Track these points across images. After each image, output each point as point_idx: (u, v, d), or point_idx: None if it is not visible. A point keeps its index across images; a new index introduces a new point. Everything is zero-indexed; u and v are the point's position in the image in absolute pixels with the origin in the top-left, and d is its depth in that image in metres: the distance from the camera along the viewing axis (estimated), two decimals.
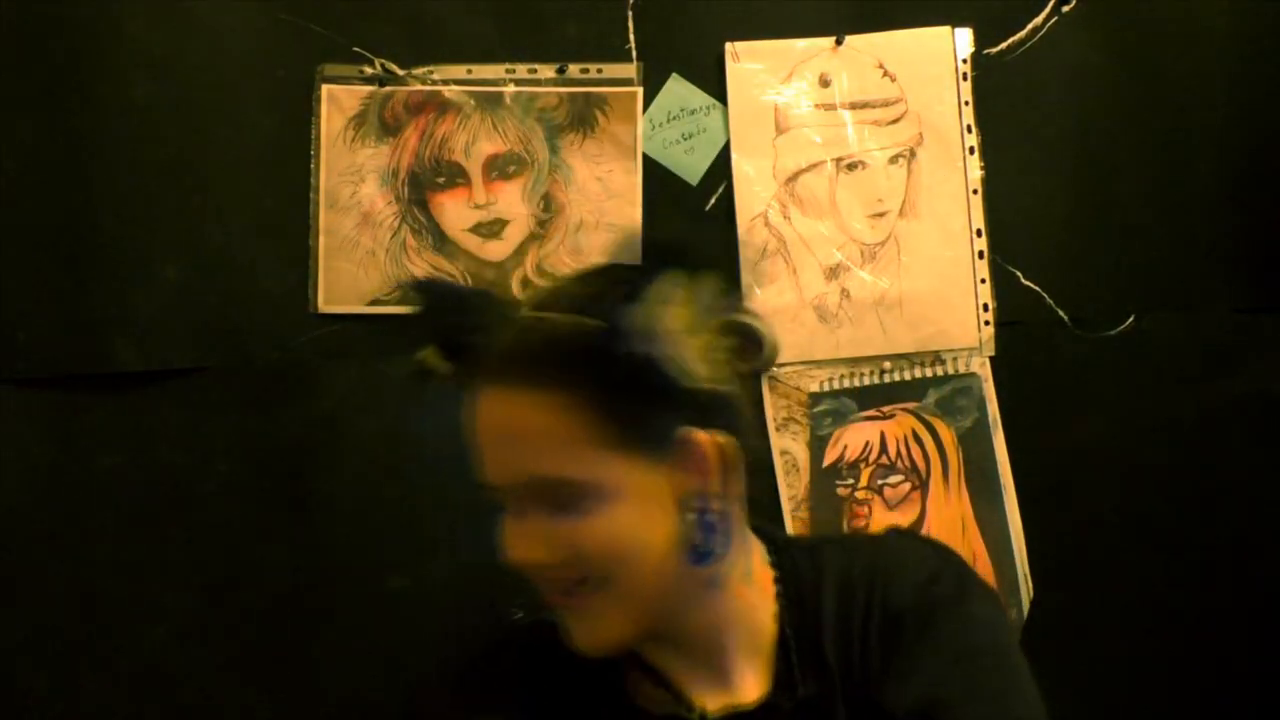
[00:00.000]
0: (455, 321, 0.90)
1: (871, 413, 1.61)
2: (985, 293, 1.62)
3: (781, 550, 1.02)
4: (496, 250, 1.61)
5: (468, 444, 0.90)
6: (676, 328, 0.84)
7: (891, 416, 1.61)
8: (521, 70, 1.61)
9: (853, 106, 1.63)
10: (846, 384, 1.61)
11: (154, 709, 1.55)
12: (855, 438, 1.61)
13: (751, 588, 0.98)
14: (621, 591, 0.89)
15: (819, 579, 0.98)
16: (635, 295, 0.85)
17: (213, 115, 1.57)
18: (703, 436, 0.89)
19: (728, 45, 1.62)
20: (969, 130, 1.63)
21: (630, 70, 1.61)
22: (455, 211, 1.61)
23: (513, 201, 1.61)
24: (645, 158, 1.61)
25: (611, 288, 0.89)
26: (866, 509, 1.61)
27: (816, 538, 1.06)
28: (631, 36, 1.61)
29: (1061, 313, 1.62)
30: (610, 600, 0.89)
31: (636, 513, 0.88)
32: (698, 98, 1.62)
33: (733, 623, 0.97)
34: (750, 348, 0.91)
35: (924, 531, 1.60)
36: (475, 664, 1.03)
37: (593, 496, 0.86)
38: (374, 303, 1.59)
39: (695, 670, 0.97)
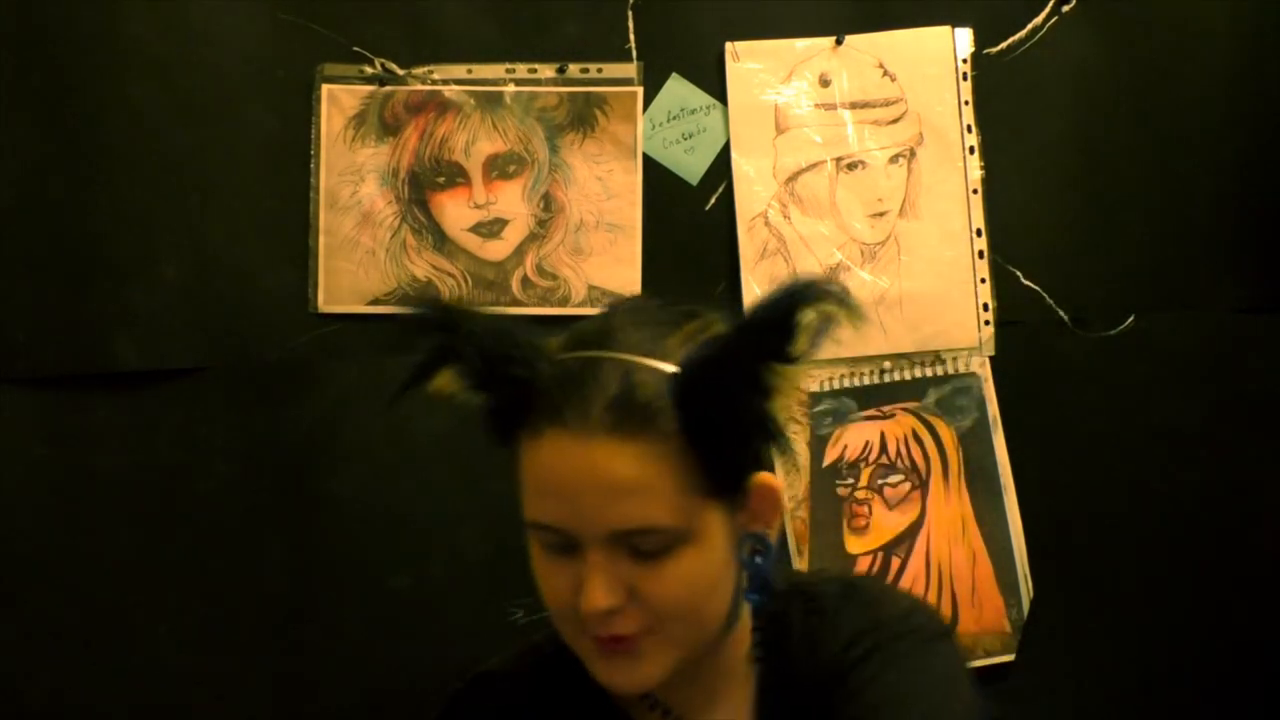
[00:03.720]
0: (505, 359, 0.87)
1: (871, 412, 1.61)
2: (985, 293, 1.62)
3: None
4: (496, 250, 1.61)
5: (537, 487, 0.86)
6: (765, 373, 0.83)
7: (891, 416, 1.61)
8: (521, 70, 1.61)
9: (853, 106, 1.63)
10: (846, 384, 1.61)
11: (154, 709, 1.55)
12: (855, 437, 1.61)
13: (742, 621, 0.99)
14: (678, 636, 0.88)
15: (792, 619, 0.98)
16: (717, 338, 0.84)
17: (213, 115, 1.57)
18: (773, 479, 0.90)
19: (728, 45, 1.62)
20: (969, 130, 1.63)
21: (630, 70, 1.61)
22: (455, 211, 1.61)
23: (513, 201, 1.61)
24: (645, 157, 1.61)
25: (685, 329, 0.88)
26: (866, 508, 1.61)
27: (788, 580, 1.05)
28: (631, 36, 1.61)
29: (1061, 313, 1.62)
30: (661, 643, 0.88)
31: (713, 557, 0.87)
32: (698, 98, 1.62)
33: (727, 655, 0.97)
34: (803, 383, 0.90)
35: (924, 531, 1.60)
36: (468, 700, 1.02)
37: (679, 542, 0.85)
38: (374, 302, 1.59)
39: (693, 700, 0.97)
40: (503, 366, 0.87)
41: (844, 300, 0.83)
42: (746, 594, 0.93)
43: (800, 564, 1.59)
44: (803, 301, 0.82)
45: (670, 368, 0.84)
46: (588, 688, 0.92)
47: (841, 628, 0.94)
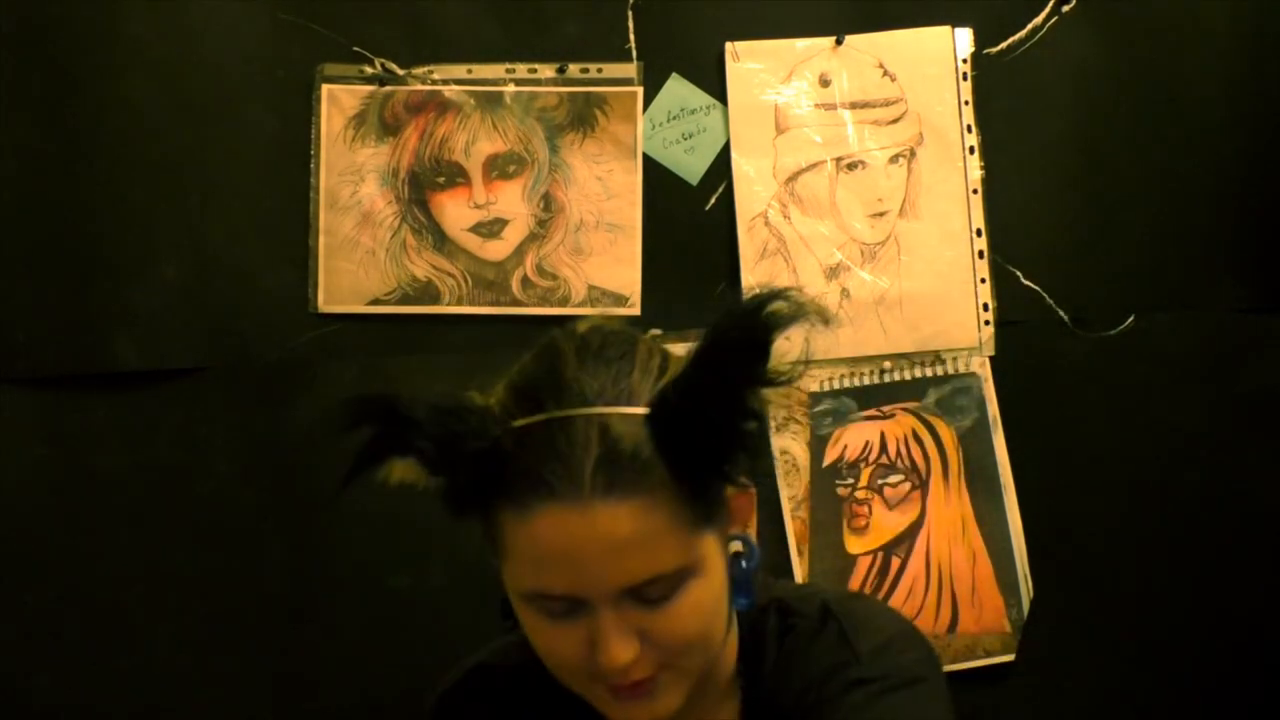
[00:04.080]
0: (457, 437, 0.82)
1: (871, 412, 1.61)
2: (985, 293, 1.62)
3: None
4: (496, 250, 1.61)
5: (535, 560, 0.83)
6: (745, 398, 0.80)
7: (891, 416, 1.61)
8: (521, 70, 1.61)
9: (853, 106, 1.63)
10: (846, 384, 1.61)
11: (154, 709, 1.55)
12: (855, 437, 1.61)
13: (731, 628, 0.97)
14: (692, 666, 0.87)
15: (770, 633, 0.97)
16: (684, 372, 0.81)
17: (213, 115, 1.57)
18: (748, 488, 0.89)
19: (728, 45, 1.62)
20: (969, 130, 1.63)
21: (630, 70, 1.61)
22: (455, 211, 1.61)
23: (513, 201, 1.61)
24: (645, 157, 1.61)
25: (638, 361, 0.85)
26: (866, 509, 1.61)
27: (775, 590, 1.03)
28: (631, 36, 1.61)
29: (1061, 313, 1.62)
30: (675, 676, 0.86)
31: (714, 580, 0.86)
32: (698, 98, 1.62)
33: (716, 667, 0.95)
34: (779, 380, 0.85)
35: (924, 531, 1.60)
36: (461, 694, 1.02)
37: (685, 579, 0.84)
38: (374, 302, 1.59)
39: (684, 715, 0.93)
40: (458, 445, 0.82)
41: (808, 309, 0.80)
42: (735, 599, 0.91)
43: (800, 564, 1.59)
44: (771, 323, 0.79)
45: (642, 410, 0.81)
46: (563, 701, 0.91)
47: (815, 659, 0.92)
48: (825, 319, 0.81)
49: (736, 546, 0.91)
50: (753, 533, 0.92)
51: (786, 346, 0.81)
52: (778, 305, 0.79)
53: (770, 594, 0.98)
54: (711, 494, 0.84)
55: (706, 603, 0.85)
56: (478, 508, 0.86)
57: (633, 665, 0.83)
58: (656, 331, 1.55)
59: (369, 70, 1.60)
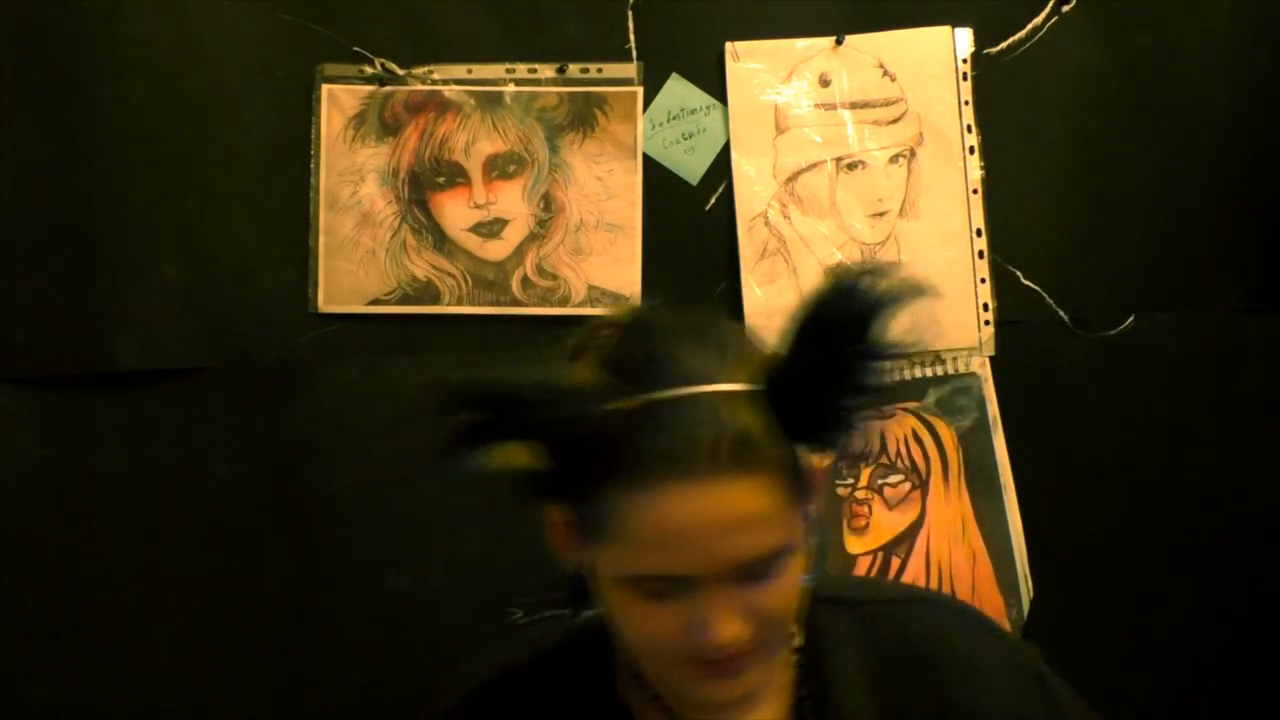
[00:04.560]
0: (563, 421, 0.80)
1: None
2: (985, 293, 1.62)
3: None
4: (496, 250, 1.61)
5: (648, 540, 0.81)
6: (856, 375, 0.81)
7: (891, 416, 1.61)
8: (521, 70, 1.61)
9: (853, 106, 1.63)
10: None
11: (154, 709, 1.55)
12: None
13: None
14: (776, 642, 0.88)
15: (835, 639, 0.96)
16: (791, 349, 0.82)
17: (213, 115, 1.57)
18: (819, 459, 0.88)
19: (728, 45, 1.62)
20: (969, 130, 1.63)
21: (630, 70, 1.61)
22: (455, 211, 1.61)
23: (513, 201, 1.61)
24: (645, 157, 1.61)
25: (731, 344, 0.85)
26: (866, 508, 1.61)
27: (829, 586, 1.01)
28: (631, 36, 1.61)
29: (1061, 313, 1.62)
30: (760, 653, 0.86)
31: (802, 555, 0.87)
32: (698, 98, 1.62)
33: None
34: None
35: (924, 531, 1.60)
36: (468, 712, 0.99)
37: (787, 556, 0.84)
38: (374, 302, 1.59)
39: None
40: (569, 427, 0.80)
41: (906, 289, 0.81)
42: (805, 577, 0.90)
43: None
44: (874, 297, 0.80)
45: (753, 388, 0.82)
46: (596, 689, 0.91)
47: (927, 690, 0.93)
48: (921, 290, 0.82)
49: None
50: (815, 509, 0.91)
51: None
52: (873, 280, 0.80)
53: (836, 591, 0.99)
54: (807, 469, 0.85)
55: (798, 579, 0.86)
56: (579, 491, 0.83)
57: (746, 640, 0.83)
58: None
59: (369, 70, 1.60)
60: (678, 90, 1.62)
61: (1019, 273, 1.62)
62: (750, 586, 0.83)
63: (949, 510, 1.61)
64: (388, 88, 1.60)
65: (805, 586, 0.90)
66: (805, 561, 0.87)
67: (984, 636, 1.01)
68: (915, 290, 0.81)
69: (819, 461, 0.88)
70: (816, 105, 1.63)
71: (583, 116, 1.61)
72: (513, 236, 1.61)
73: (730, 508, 0.80)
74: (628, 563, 0.83)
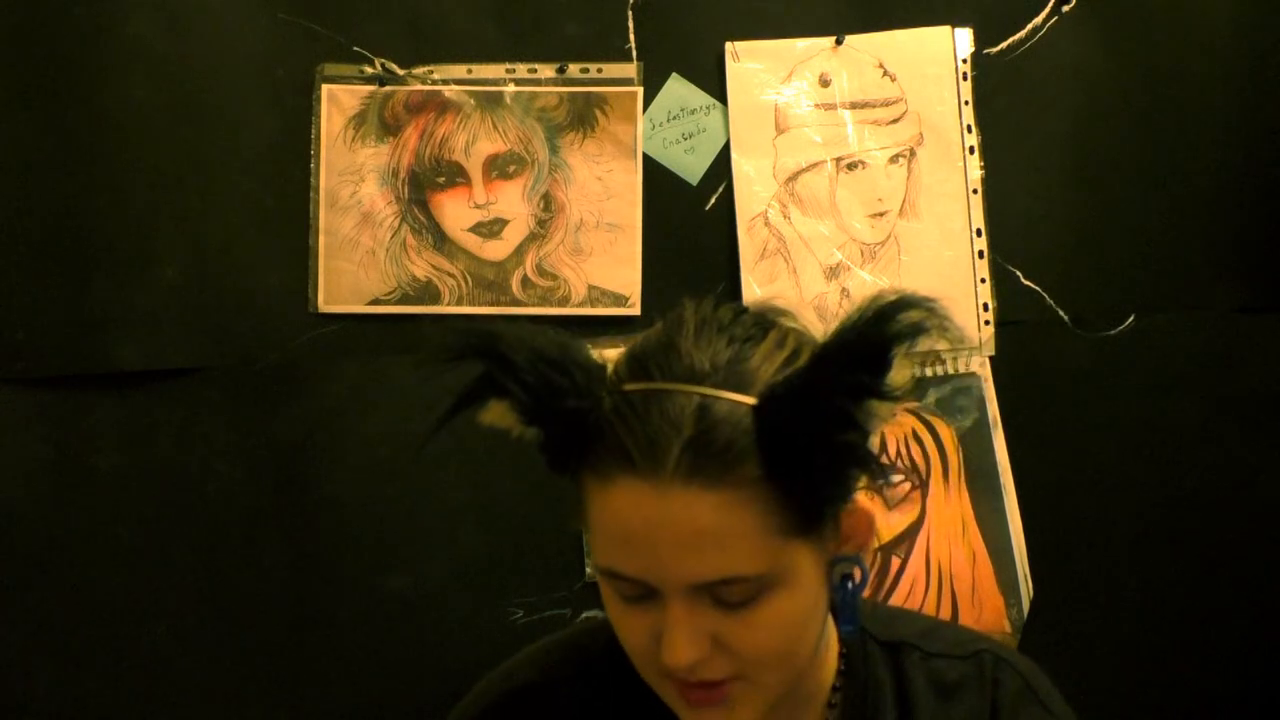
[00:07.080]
0: (558, 392, 0.77)
1: None
2: (985, 293, 1.62)
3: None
4: (496, 250, 1.61)
5: (608, 535, 0.78)
6: (856, 407, 0.75)
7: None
8: (521, 70, 1.61)
9: (853, 106, 1.63)
10: None
11: (154, 709, 1.55)
12: None
13: (828, 650, 0.92)
14: (771, 682, 0.82)
15: (887, 670, 0.92)
16: (800, 370, 0.76)
17: (213, 115, 1.57)
18: (865, 502, 0.83)
19: (728, 45, 1.62)
20: (969, 130, 1.63)
21: (630, 70, 1.61)
22: (455, 211, 1.61)
23: (513, 201, 1.61)
24: (645, 157, 1.61)
25: (763, 348, 0.79)
26: None
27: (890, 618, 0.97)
28: (631, 36, 1.61)
29: (1061, 313, 1.62)
30: (751, 688, 0.81)
31: (803, 597, 0.80)
32: (698, 97, 1.62)
33: (808, 681, 0.91)
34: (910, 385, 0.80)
35: (924, 531, 1.60)
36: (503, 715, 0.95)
37: (767, 589, 0.78)
38: (374, 302, 1.59)
39: None
40: (556, 400, 0.77)
41: (939, 325, 0.75)
42: (840, 625, 0.86)
43: None
44: (899, 335, 0.74)
45: (749, 400, 0.76)
46: (646, 694, 0.86)
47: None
48: (956, 337, 0.77)
49: (845, 569, 0.85)
50: (867, 556, 0.86)
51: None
52: (909, 315, 0.75)
53: (896, 635, 0.94)
54: (810, 503, 0.78)
55: (792, 617, 0.80)
56: (567, 468, 0.81)
57: (698, 666, 0.78)
58: None
59: (369, 70, 1.60)
60: (678, 90, 1.62)
61: (1019, 273, 1.62)
62: (722, 612, 0.78)
63: (949, 510, 1.61)
64: (388, 88, 1.60)
65: (844, 634, 0.86)
66: (810, 601, 0.81)
67: (1037, 708, 0.95)
68: (941, 327, 0.76)
69: (860, 502, 0.83)
70: (816, 105, 1.63)
71: (583, 116, 1.61)
72: (513, 236, 1.61)
73: (685, 519, 0.75)
74: (599, 554, 0.81)
